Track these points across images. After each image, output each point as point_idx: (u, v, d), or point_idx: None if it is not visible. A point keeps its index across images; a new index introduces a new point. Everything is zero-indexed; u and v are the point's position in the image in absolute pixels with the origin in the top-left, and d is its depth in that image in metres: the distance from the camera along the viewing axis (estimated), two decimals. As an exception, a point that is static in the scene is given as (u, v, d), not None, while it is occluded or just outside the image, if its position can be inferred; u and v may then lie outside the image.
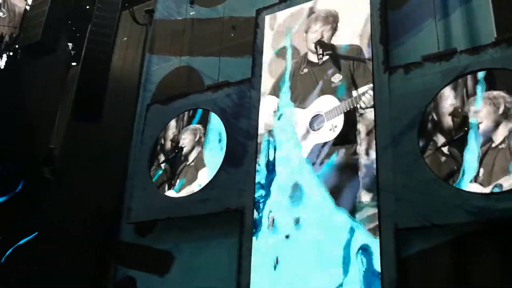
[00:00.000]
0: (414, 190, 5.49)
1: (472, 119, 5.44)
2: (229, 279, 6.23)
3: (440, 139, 5.58)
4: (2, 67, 8.32)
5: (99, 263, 7.85)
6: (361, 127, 6.12)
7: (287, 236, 6.09)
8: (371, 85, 6.22)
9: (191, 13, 8.84)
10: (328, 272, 5.65)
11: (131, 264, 7.38)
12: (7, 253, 8.93)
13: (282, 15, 7.52)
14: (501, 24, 5.81)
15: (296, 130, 6.63)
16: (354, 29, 6.68)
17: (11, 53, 8.86)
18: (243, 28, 8.00)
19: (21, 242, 8.95)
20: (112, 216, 7.95)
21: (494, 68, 5.51)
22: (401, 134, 5.83)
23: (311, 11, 7.22)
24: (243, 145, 6.99)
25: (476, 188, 5.16)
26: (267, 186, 6.51)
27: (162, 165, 7.61)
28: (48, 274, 8.16)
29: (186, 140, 7.59)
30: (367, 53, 6.44)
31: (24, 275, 8.44)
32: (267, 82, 7.19)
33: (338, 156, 6.14)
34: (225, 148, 7.07)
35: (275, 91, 7.06)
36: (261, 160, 6.70)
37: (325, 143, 6.31)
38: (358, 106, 6.24)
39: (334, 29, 6.86)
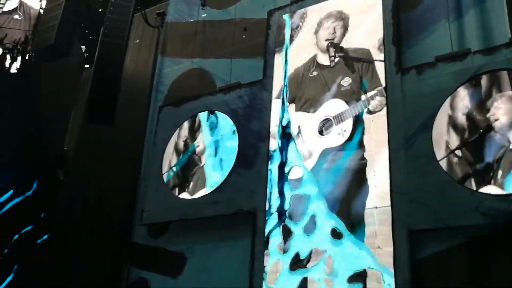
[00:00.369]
0: (428, 192, 5.45)
1: (487, 120, 5.39)
2: (242, 281, 6.23)
3: (455, 141, 5.53)
4: (17, 70, 8.41)
5: (113, 265, 7.89)
6: (371, 131, 6.07)
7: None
8: (380, 88, 6.18)
9: (202, 15, 8.88)
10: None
11: (144, 266, 7.42)
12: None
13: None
14: (515, 24, 5.75)
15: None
16: (365, 31, 6.65)
17: (25, 56, 8.96)
18: (255, 30, 8.01)
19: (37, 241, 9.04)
20: (125, 217, 8.00)
21: (508, 69, 5.45)
22: (414, 135, 5.79)
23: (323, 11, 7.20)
24: (254, 146, 7.00)
25: (492, 190, 5.10)
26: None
27: (174, 168, 7.64)
28: (62, 276, 8.23)
29: (200, 140, 7.61)
30: (376, 56, 6.40)
31: (39, 277, 8.51)
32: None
33: (346, 161, 6.09)
34: (236, 150, 7.09)
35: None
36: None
37: (334, 148, 6.27)
38: (367, 110, 6.20)
39: (346, 28, 6.83)
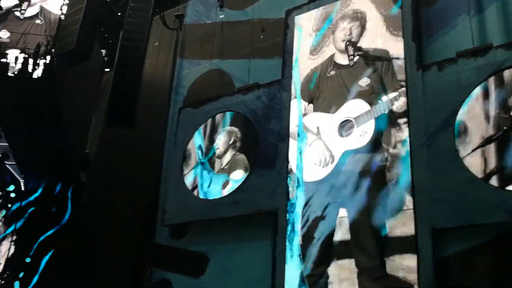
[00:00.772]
0: (451, 190, 5.38)
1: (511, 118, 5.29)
2: (264, 281, 6.24)
3: (477, 138, 5.44)
4: (39, 75, 8.56)
5: (136, 266, 7.97)
6: (395, 133, 5.98)
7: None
8: (404, 89, 6.08)
9: (220, 17, 8.90)
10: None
11: (167, 266, 7.47)
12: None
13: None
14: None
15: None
16: (382, 29, 6.58)
17: (47, 61, 9.11)
18: (273, 30, 8.00)
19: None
20: (147, 218, 8.07)
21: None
22: (436, 132, 5.71)
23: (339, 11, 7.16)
24: (274, 146, 7.00)
25: (516, 187, 5.01)
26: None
27: (195, 170, 7.68)
28: (85, 277, 8.34)
29: (220, 142, 7.64)
30: (394, 55, 6.31)
31: (63, 277, 8.65)
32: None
33: (368, 162, 6.02)
34: (257, 150, 7.10)
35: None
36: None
37: (355, 150, 6.19)
38: (389, 111, 6.09)
39: (363, 27, 6.77)
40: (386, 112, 6.12)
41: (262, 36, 8.15)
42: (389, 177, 5.81)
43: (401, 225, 5.53)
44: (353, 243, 5.79)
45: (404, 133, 5.91)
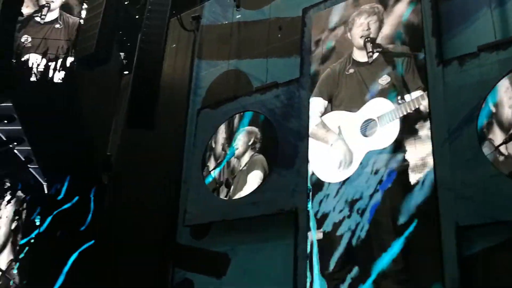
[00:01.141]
0: (475, 186, 5.28)
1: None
2: (286, 281, 6.22)
3: (499, 135, 5.32)
4: (60, 79, 8.69)
5: (158, 266, 8.02)
6: (421, 132, 5.84)
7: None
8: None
9: (237, 17, 8.91)
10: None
11: (188, 267, 7.51)
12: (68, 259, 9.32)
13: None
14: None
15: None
16: (400, 25, 6.49)
17: (67, 65, 9.25)
18: (290, 28, 7.97)
19: (80, 249, 9.31)
20: (168, 219, 8.12)
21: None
22: (458, 128, 5.62)
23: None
24: (294, 146, 6.97)
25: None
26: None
27: (214, 171, 7.70)
28: (109, 278, 8.43)
29: (240, 142, 7.65)
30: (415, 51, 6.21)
31: (87, 278, 8.75)
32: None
33: (392, 162, 5.92)
34: (276, 150, 7.08)
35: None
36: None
37: (379, 150, 6.08)
38: (413, 110, 5.93)
39: (381, 21, 6.68)
40: (412, 111, 5.98)
41: (279, 35, 8.13)
42: (413, 176, 5.71)
43: (425, 225, 5.44)
44: (376, 245, 5.71)
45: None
